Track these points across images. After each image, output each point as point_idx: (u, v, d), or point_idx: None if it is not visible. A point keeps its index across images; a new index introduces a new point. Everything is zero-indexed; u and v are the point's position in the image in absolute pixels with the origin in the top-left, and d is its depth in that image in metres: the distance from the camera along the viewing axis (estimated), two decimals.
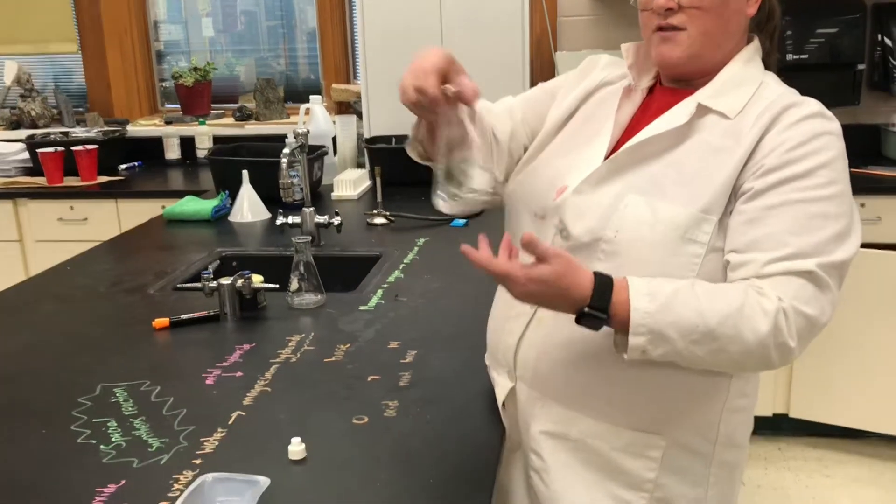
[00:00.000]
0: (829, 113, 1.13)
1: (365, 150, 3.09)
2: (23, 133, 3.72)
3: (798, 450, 3.06)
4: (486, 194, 1.19)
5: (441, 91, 1.09)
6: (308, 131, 2.31)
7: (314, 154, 2.80)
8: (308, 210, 2.26)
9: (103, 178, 3.40)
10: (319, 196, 2.89)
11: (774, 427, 3.07)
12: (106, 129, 3.75)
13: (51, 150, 3.33)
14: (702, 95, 1.17)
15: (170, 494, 1.10)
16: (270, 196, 2.56)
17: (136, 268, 2.15)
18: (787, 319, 1.03)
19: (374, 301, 1.84)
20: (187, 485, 1.10)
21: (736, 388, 1.21)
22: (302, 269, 1.79)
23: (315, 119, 3.12)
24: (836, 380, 2.95)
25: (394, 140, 3.05)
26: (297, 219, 2.25)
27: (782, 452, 3.05)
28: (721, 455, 1.22)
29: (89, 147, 3.36)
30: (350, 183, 2.89)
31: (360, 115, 3.27)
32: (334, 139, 3.17)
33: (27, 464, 1.20)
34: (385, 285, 1.95)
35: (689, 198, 1.11)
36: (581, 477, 1.22)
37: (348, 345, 1.60)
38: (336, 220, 2.24)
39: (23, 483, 1.15)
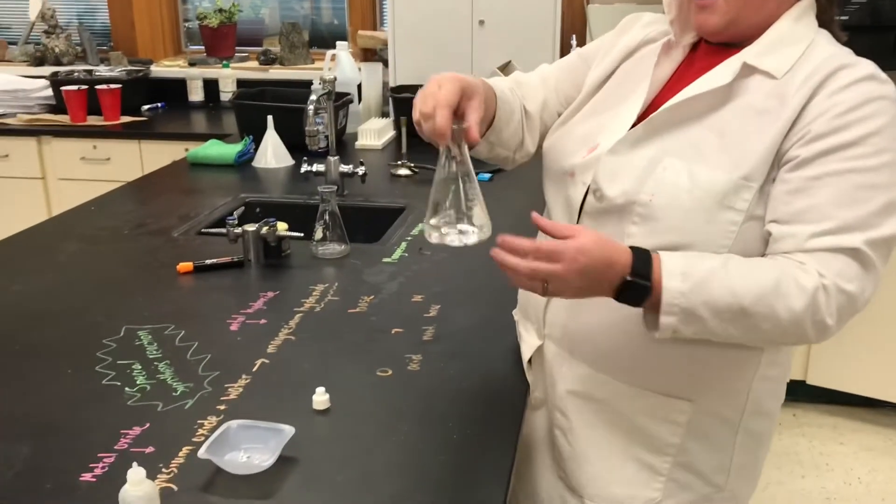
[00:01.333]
0: (883, 75, 1.06)
1: (390, 100, 3.05)
2: (46, 70, 3.70)
3: (813, 416, 3.05)
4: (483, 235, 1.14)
5: (449, 126, 1.06)
6: (335, 78, 2.28)
7: (339, 102, 2.77)
8: (333, 159, 2.24)
9: (126, 119, 3.38)
10: (343, 144, 2.86)
11: (791, 393, 3.05)
12: (130, 68, 3.72)
13: (74, 87, 3.31)
14: (748, 54, 1.11)
15: (194, 439, 1.11)
16: (294, 143, 2.55)
17: (160, 210, 2.15)
18: (828, 296, 1.00)
19: (397, 253, 1.83)
20: (212, 430, 1.11)
21: (768, 357, 1.18)
22: (327, 218, 1.78)
23: (341, 66, 3.08)
24: (855, 348, 2.93)
25: (420, 89, 3.01)
26: (321, 167, 2.23)
27: (797, 419, 3.05)
28: (748, 423, 1.21)
29: (113, 86, 3.34)
30: (374, 132, 2.86)
31: (385, 63, 3.23)
32: (359, 87, 3.13)
33: (54, 404, 1.21)
34: (409, 238, 1.93)
35: (730, 163, 1.06)
36: (605, 438, 1.21)
37: (372, 297, 1.59)
38: (360, 170, 2.22)
39: (49, 423, 1.16)
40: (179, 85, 3.74)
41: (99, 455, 1.07)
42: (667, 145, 1.12)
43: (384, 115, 3.19)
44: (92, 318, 1.50)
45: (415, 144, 2.74)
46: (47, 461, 1.07)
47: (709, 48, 1.19)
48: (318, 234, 1.79)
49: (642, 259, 1.02)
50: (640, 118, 1.16)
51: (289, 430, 1.08)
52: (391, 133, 2.97)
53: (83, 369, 1.31)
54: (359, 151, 2.81)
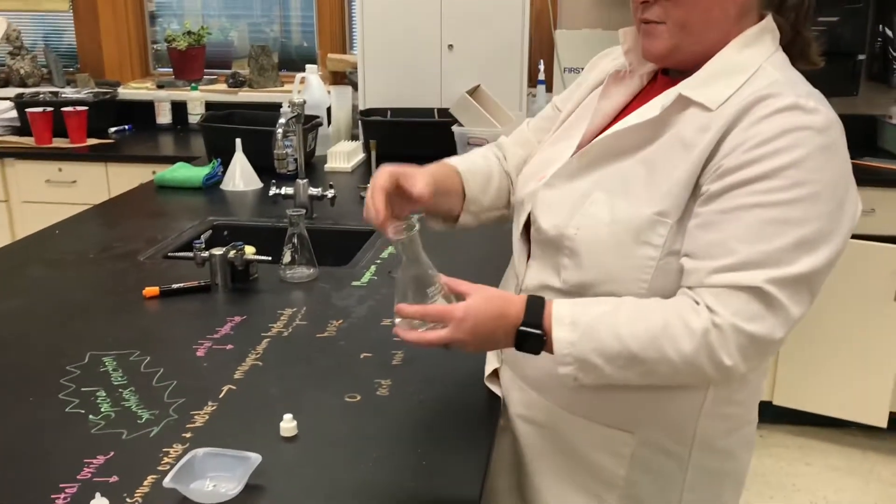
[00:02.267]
0: (812, 104, 1.00)
1: (360, 123, 3.06)
2: (11, 91, 3.65)
3: (780, 437, 3.08)
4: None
5: (383, 205, 1.11)
6: (304, 101, 2.28)
7: (309, 125, 2.77)
8: (302, 182, 2.23)
9: (93, 141, 3.35)
10: (312, 167, 2.86)
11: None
12: (97, 90, 3.69)
13: (39, 109, 3.28)
14: (686, 85, 1.08)
15: (159, 468, 1.09)
16: (263, 165, 2.54)
17: (127, 234, 2.12)
18: (723, 337, 0.97)
19: (366, 277, 1.83)
20: (178, 458, 1.09)
21: (717, 394, 1.14)
22: (296, 241, 1.78)
23: (310, 89, 3.08)
24: (821, 369, 2.97)
25: (389, 113, 3.01)
26: (290, 190, 2.22)
27: (764, 439, 3.07)
28: (699, 460, 1.17)
29: (79, 108, 3.31)
30: (344, 155, 2.86)
31: (355, 87, 3.24)
32: (328, 110, 3.14)
33: (15, 432, 1.19)
34: (378, 261, 1.93)
35: (650, 198, 1.05)
36: (555, 466, 1.21)
37: (341, 321, 1.58)
38: (330, 193, 2.22)
39: (10, 452, 1.14)
40: (147, 107, 3.72)
41: (61, 485, 1.05)
42: (600, 178, 1.12)
43: (354, 137, 3.19)
44: (56, 344, 1.47)
45: None
46: (7, 492, 1.04)
47: (665, 79, 1.17)
48: (287, 257, 1.79)
49: (534, 308, 1.05)
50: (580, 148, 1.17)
51: (255, 458, 1.06)
52: (361, 156, 2.97)
53: (46, 396, 1.28)
54: (328, 174, 2.80)
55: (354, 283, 1.78)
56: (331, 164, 2.85)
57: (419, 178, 1.15)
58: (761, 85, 1.03)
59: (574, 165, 1.15)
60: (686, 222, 1.04)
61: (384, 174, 1.14)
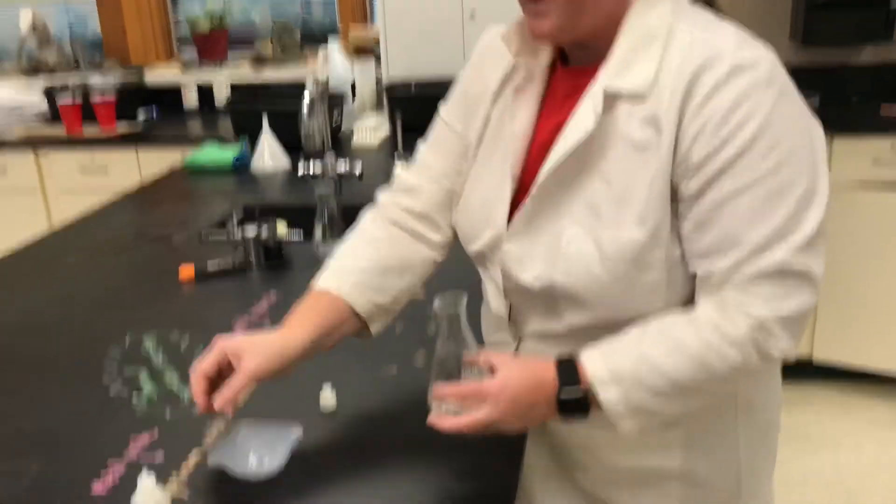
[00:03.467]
0: (746, 54, 0.92)
1: (384, 96, 3.05)
2: (40, 82, 3.70)
3: (822, 393, 3.05)
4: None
5: (202, 396, 1.00)
6: (328, 78, 2.28)
7: (334, 101, 2.77)
8: (330, 158, 2.24)
9: (122, 127, 3.39)
10: (339, 143, 2.86)
11: (798, 371, 3.07)
12: (123, 77, 3.72)
13: (69, 99, 3.32)
14: (605, 77, 0.97)
15: (203, 445, 1.11)
16: (290, 144, 2.55)
17: (160, 218, 2.15)
18: (769, 331, 0.92)
19: None
20: (220, 435, 1.11)
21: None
22: (327, 218, 1.79)
23: (333, 64, 3.08)
24: (860, 323, 2.94)
25: (413, 85, 3.01)
26: (318, 167, 2.22)
27: (806, 396, 3.05)
28: (746, 423, 1.13)
29: (107, 96, 3.35)
30: (370, 130, 2.86)
31: (378, 59, 3.23)
32: (353, 85, 3.13)
33: (61, 417, 1.22)
34: None
35: (632, 219, 0.95)
36: (598, 473, 1.17)
37: None
38: (358, 169, 2.22)
39: (58, 436, 1.17)
40: (173, 91, 3.74)
41: (109, 465, 1.08)
42: (562, 211, 1.01)
43: (379, 111, 3.19)
44: (97, 329, 1.50)
45: (411, 140, 2.74)
46: (57, 474, 1.07)
47: (567, 71, 1.06)
48: (319, 234, 1.80)
49: (568, 372, 0.96)
50: (522, 180, 1.06)
51: (297, 433, 1.08)
52: (386, 129, 2.97)
53: (90, 380, 1.31)
54: (355, 149, 2.81)
55: None
56: (357, 140, 2.86)
57: (247, 360, 1.00)
58: (683, 51, 0.93)
59: (530, 209, 1.03)
60: (676, 225, 0.97)
61: (209, 357, 1.02)
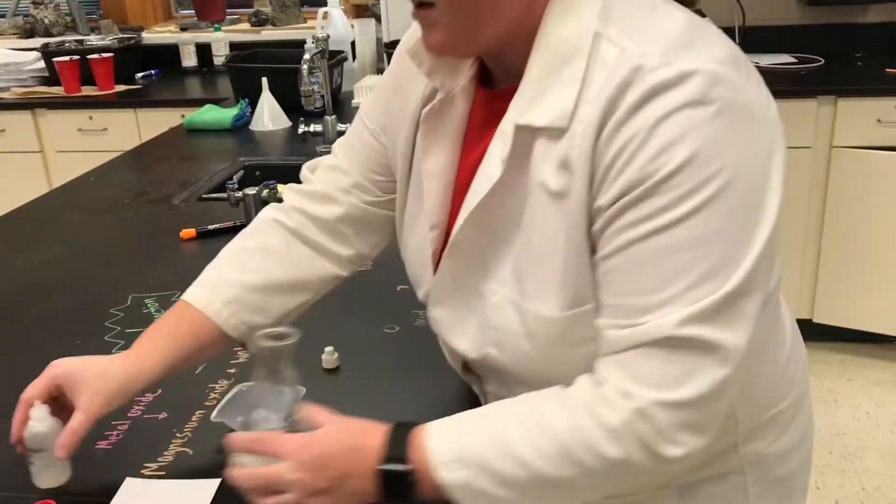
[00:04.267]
0: (673, 70, 0.70)
1: (385, 56, 3.02)
2: (37, 41, 3.66)
3: (820, 354, 3.07)
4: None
5: (19, 430, 0.91)
6: (328, 36, 2.25)
7: (333, 60, 2.75)
8: (330, 118, 2.23)
9: (120, 87, 3.36)
10: (340, 103, 2.84)
11: None
12: (121, 36, 3.69)
13: (66, 58, 3.28)
14: (517, 107, 0.79)
15: (206, 403, 1.12)
16: (290, 104, 2.53)
17: (160, 178, 2.14)
18: (652, 422, 0.72)
19: None
20: (223, 394, 1.12)
21: (747, 405, 0.90)
22: None
23: (333, 23, 3.05)
24: (861, 285, 2.94)
25: None
26: (318, 127, 2.22)
27: None
28: (754, 476, 0.95)
29: (105, 55, 3.31)
30: (370, 90, 2.84)
31: (378, 19, 3.19)
32: (353, 44, 3.10)
33: None
34: None
35: (551, 287, 0.79)
36: None
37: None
38: None
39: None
40: (172, 51, 3.71)
41: (113, 423, 1.08)
42: (490, 269, 0.84)
43: (379, 71, 3.16)
44: (98, 288, 1.50)
45: None
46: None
47: (485, 94, 0.88)
48: None
49: (398, 439, 0.79)
50: (450, 229, 0.89)
51: (300, 390, 1.08)
52: None
53: (92, 339, 1.32)
54: (355, 110, 2.78)
55: None
56: (358, 100, 2.83)
57: (85, 398, 0.89)
58: (609, 70, 0.73)
59: (448, 268, 0.88)
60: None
61: (40, 384, 0.92)
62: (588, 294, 0.78)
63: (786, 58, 3.16)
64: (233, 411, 1.06)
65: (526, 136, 0.78)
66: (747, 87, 0.74)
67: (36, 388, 0.92)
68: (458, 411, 1.07)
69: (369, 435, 0.80)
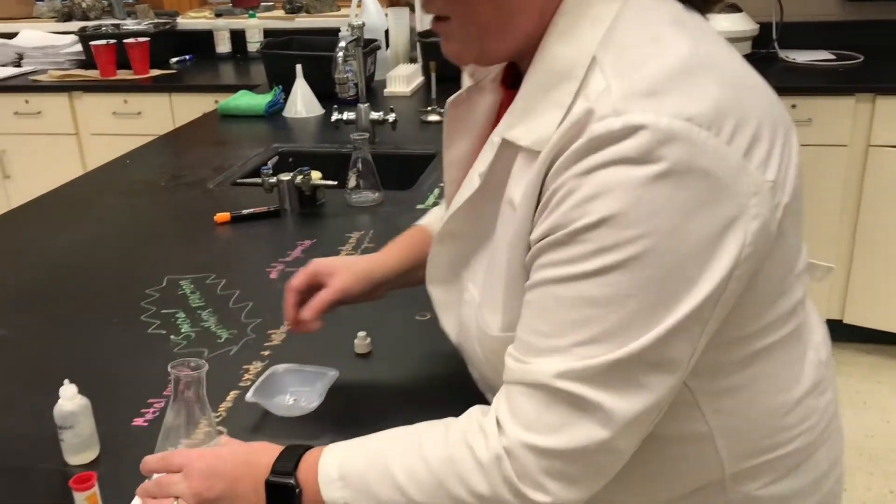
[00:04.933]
0: (625, 120, 0.66)
1: (418, 45, 3.02)
2: (74, 25, 3.71)
3: (850, 356, 3.04)
4: None
5: (292, 309, 1.06)
6: (363, 24, 2.26)
7: (367, 48, 2.75)
8: (363, 106, 2.23)
9: (155, 72, 3.39)
10: (373, 92, 2.85)
11: None
12: (156, 21, 3.72)
13: (103, 42, 3.32)
14: (508, 118, 0.80)
15: (241, 384, 1.13)
16: (324, 91, 2.55)
17: (194, 162, 2.16)
18: (518, 462, 0.72)
19: (430, 199, 1.83)
20: (258, 375, 1.13)
21: (732, 451, 0.83)
22: (360, 165, 1.78)
23: (367, 11, 3.05)
24: (893, 286, 2.90)
25: None
26: (351, 115, 2.22)
27: (834, 358, 3.03)
28: None
29: (141, 40, 3.35)
30: (403, 79, 2.84)
31: (412, 8, 3.19)
32: (386, 33, 3.11)
33: (104, 353, 1.24)
34: (441, 184, 1.93)
35: (499, 304, 0.81)
36: None
37: None
38: (391, 117, 2.21)
39: (99, 372, 1.19)
40: (206, 37, 3.73)
41: (149, 401, 1.10)
42: (471, 264, 0.89)
43: (412, 60, 3.16)
44: (134, 270, 1.52)
45: (444, 90, 2.72)
46: (99, 408, 1.09)
47: (509, 92, 0.88)
48: (352, 182, 1.80)
49: (288, 456, 0.82)
50: None
51: (333, 373, 1.10)
52: (420, 79, 2.95)
53: (129, 319, 1.33)
54: (388, 98, 2.79)
55: (419, 206, 1.79)
56: (390, 88, 2.84)
57: (337, 277, 1.06)
58: (588, 103, 0.70)
59: (437, 254, 0.94)
60: None
61: (301, 275, 1.07)
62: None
63: (824, 54, 3.12)
64: (267, 392, 1.07)
65: (510, 150, 0.79)
66: (716, 150, 0.67)
67: (299, 278, 1.07)
68: (485, 398, 1.08)
69: (265, 452, 0.83)
